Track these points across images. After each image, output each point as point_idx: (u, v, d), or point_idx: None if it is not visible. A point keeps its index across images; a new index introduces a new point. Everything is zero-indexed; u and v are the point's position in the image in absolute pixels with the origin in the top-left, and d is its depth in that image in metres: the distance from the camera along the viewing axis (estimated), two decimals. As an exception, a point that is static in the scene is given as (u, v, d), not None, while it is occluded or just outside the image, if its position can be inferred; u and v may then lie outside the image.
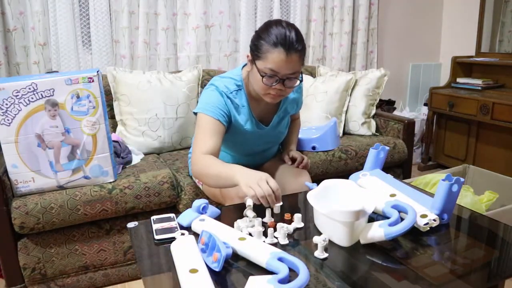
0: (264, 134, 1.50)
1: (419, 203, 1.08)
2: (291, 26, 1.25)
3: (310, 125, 2.26)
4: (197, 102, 2.13)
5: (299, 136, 1.86)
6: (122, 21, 2.27)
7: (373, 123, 2.39)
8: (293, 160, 1.58)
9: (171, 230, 1.06)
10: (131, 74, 2.04)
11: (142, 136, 2.00)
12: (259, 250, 0.89)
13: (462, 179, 1.04)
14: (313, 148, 2.03)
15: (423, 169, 3.09)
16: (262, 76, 1.24)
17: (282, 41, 1.20)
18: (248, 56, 1.33)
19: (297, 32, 1.25)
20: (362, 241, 0.97)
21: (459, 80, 3.00)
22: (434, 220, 1.02)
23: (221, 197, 1.45)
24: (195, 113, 1.39)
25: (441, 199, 1.03)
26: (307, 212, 1.16)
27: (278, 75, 1.24)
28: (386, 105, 2.98)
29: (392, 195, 1.12)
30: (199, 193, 1.67)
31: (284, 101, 1.51)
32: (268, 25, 1.26)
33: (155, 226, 1.08)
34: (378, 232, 0.94)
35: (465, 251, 0.96)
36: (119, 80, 2.00)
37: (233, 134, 1.44)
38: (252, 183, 1.09)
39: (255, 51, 1.27)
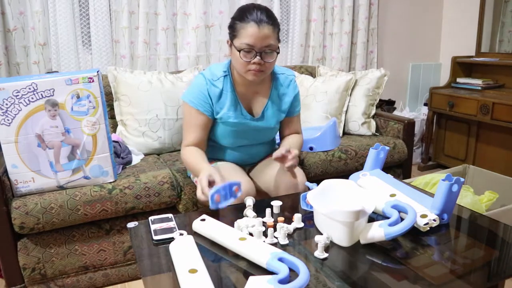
0: (252, 127, 1.51)
1: (419, 203, 1.08)
2: (261, 6, 1.38)
3: (310, 125, 2.26)
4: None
5: None
6: (122, 21, 2.27)
7: (373, 123, 2.39)
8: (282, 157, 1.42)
9: (169, 230, 1.06)
10: (132, 74, 2.04)
11: (143, 136, 2.00)
12: (259, 250, 0.89)
13: (462, 179, 1.04)
14: (311, 148, 2.02)
15: (423, 169, 3.09)
16: (240, 51, 1.33)
17: (252, 16, 1.32)
18: (227, 42, 1.42)
19: (268, 10, 1.37)
20: (362, 241, 0.97)
21: (459, 80, 3.00)
22: (434, 220, 1.02)
23: None
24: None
25: (441, 199, 1.03)
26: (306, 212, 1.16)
27: (254, 49, 1.33)
28: (386, 105, 2.98)
29: (392, 195, 1.12)
30: (199, 193, 1.67)
31: (273, 94, 1.53)
32: (240, 9, 1.40)
33: (154, 227, 1.08)
34: (378, 232, 0.94)
35: (465, 251, 0.96)
36: (120, 80, 2.00)
37: (219, 123, 1.49)
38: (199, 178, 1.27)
39: (231, 33, 1.38)
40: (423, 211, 1.04)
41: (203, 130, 1.47)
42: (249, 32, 1.31)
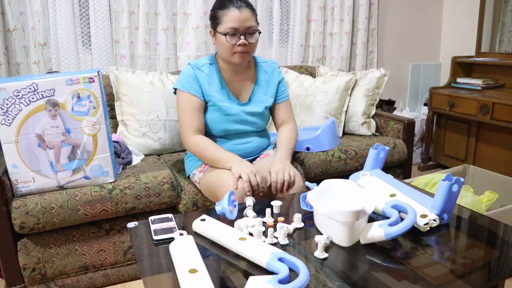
0: (240, 110, 1.56)
1: (419, 203, 1.08)
2: None
3: (310, 125, 2.26)
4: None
5: None
6: (122, 21, 2.27)
7: (373, 123, 2.39)
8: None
9: (169, 230, 1.06)
10: (133, 74, 2.03)
11: (143, 137, 2.00)
12: (259, 250, 0.89)
13: (462, 179, 1.04)
14: (307, 149, 2.00)
15: (423, 169, 3.09)
16: (225, 35, 1.43)
17: (232, 3, 1.43)
18: (210, 32, 1.52)
19: None
20: (362, 241, 0.97)
21: (459, 80, 3.00)
22: (434, 220, 1.02)
23: (221, 194, 1.45)
24: (175, 91, 1.57)
25: (441, 199, 1.03)
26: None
27: (238, 31, 1.43)
28: (386, 105, 2.98)
29: (392, 195, 1.12)
30: (198, 193, 1.67)
31: (259, 79, 1.62)
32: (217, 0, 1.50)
33: (154, 227, 1.08)
34: (378, 232, 0.94)
35: (465, 251, 0.96)
36: (122, 80, 2.00)
37: (209, 110, 1.55)
38: (243, 170, 1.35)
39: (214, 21, 1.48)
40: (423, 211, 1.04)
41: (200, 113, 1.52)
42: (232, 16, 1.42)
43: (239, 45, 1.44)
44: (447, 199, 1.03)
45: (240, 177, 1.36)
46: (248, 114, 1.59)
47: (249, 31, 1.45)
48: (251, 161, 1.68)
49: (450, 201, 1.04)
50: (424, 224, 1.00)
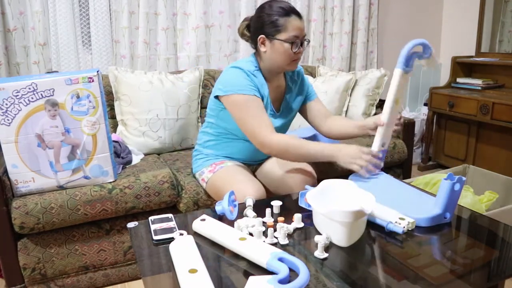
0: (273, 120, 1.51)
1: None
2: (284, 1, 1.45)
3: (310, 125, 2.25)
4: (199, 102, 2.14)
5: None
6: (122, 21, 2.27)
7: (373, 123, 2.38)
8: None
9: (169, 230, 1.06)
10: (132, 74, 2.04)
11: (143, 136, 2.00)
12: (259, 250, 0.89)
13: (464, 178, 1.04)
14: None
15: (423, 169, 3.09)
16: (291, 44, 1.39)
17: (291, 10, 1.40)
18: (260, 39, 1.43)
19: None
20: None
21: (459, 80, 3.00)
22: (409, 223, 1.02)
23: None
24: (216, 97, 1.46)
25: (443, 198, 1.03)
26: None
27: (299, 39, 1.42)
28: (386, 105, 2.98)
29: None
30: (199, 192, 1.67)
31: (289, 87, 1.59)
32: (268, 4, 1.43)
33: (154, 227, 1.08)
34: None
35: (465, 251, 0.96)
36: (121, 80, 2.00)
37: None
38: (354, 159, 1.31)
39: (272, 28, 1.40)
40: (399, 216, 1.04)
41: (266, 113, 1.43)
42: (295, 25, 1.40)
43: (298, 53, 1.44)
44: (449, 198, 1.03)
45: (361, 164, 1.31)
46: (277, 123, 1.55)
47: (304, 39, 1.45)
48: (261, 162, 1.67)
49: (452, 200, 1.04)
50: (403, 228, 1.00)
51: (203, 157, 1.62)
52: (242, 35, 1.54)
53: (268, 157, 1.66)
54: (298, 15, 1.42)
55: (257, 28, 1.44)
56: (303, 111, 1.66)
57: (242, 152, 1.57)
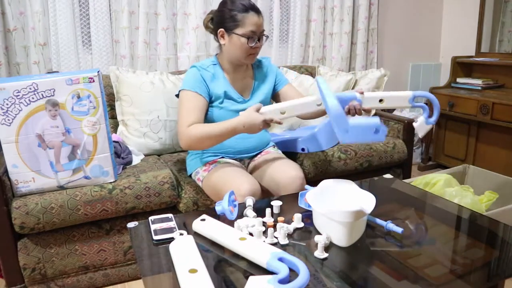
0: (244, 107, 1.57)
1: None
2: None
3: (310, 125, 2.26)
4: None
5: (288, 136, 1.96)
6: (122, 21, 2.27)
7: (373, 123, 2.38)
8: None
9: (169, 230, 1.06)
10: (134, 74, 2.04)
11: (143, 137, 2.00)
12: (259, 250, 0.89)
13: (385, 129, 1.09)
14: (302, 149, 1.95)
15: (423, 169, 3.09)
16: (248, 38, 1.48)
17: (251, 6, 1.49)
18: (220, 32, 1.54)
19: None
20: None
21: (459, 80, 3.00)
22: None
23: (223, 195, 1.45)
24: (177, 95, 1.57)
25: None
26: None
27: (256, 34, 1.50)
28: (386, 105, 2.98)
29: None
30: (199, 192, 1.67)
31: (257, 75, 1.69)
32: (230, 0, 1.51)
33: (154, 227, 1.08)
34: None
35: (465, 251, 0.96)
36: (122, 80, 2.00)
37: (216, 107, 1.58)
38: (255, 130, 1.37)
39: (231, 22, 1.49)
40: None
41: (201, 113, 1.52)
42: (253, 21, 1.48)
43: (255, 47, 1.52)
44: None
45: (266, 123, 1.37)
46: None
47: (262, 35, 1.54)
48: (252, 157, 1.70)
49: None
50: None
51: (195, 157, 1.67)
52: (206, 27, 1.63)
53: (260, 152, 1.70)
54: (257, 11, 1.50)
55: (218, 22, 1.54)
56: (276, 98, 1.75)
57: (231, 145, 1.61)
